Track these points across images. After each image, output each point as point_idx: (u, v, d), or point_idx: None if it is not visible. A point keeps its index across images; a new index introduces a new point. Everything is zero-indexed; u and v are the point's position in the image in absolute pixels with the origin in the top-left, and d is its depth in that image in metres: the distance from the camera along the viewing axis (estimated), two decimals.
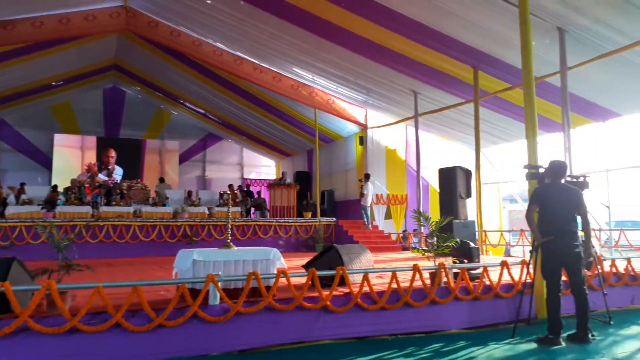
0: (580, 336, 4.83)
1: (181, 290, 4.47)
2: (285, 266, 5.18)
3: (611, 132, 11.97)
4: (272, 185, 15.78)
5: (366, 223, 14.47)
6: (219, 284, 4.60)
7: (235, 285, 4.91)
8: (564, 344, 4.74)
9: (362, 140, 16.33)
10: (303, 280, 5.01)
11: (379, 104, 15.15)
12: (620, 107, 11.28)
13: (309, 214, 15.30)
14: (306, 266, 6.48)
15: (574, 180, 5.47)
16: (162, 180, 16.60)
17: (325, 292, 4.92)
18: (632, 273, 6.54)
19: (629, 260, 6.68)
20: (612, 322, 5.52)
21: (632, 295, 6.51)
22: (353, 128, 16.78)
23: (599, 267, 5.97)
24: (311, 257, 6.87)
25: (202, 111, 19.45)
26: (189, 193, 15.31)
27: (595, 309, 5.49)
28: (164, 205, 14.07)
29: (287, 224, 14.17)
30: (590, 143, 12.76)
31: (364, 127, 16.32)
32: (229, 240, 5.32)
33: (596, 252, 6.47)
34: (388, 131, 16.47)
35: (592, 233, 9.40)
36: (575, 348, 4.64)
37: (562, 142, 9.47)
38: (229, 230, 5.51)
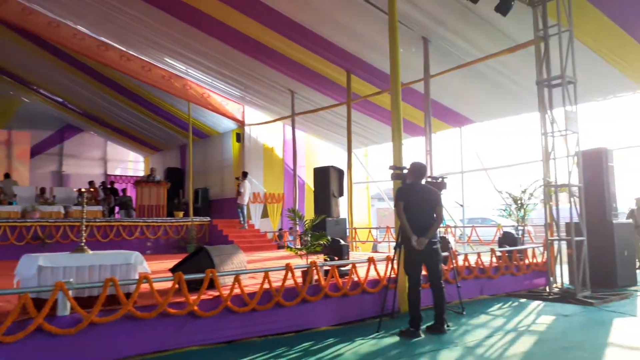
0: (438, 327, 5.19)
1: (23, 300, 3.89)
2: (148, 270, 4.80)
3: (466, 137, 13.22)
4: (139, 182, 14.64)
5: (242, 222, 14.22)
6: (70, 292, 4.09)
7: (90, 293, 4.42)
8: (423, 335, 5.05)
9: (240, 137, 16.04)
10: (169, 284, 4.68)
11: (256, 101, 15.00)
12: (474, 115, 12.50)
13: (181, 214, 14.59)
14: (174, 269, 6.08)
15: (434, 180, 5.86)
16: (7, 176, 14.60)
17: (193, 297, 4.65)
18: (482, 266, 7.23)
19: (479, 254, 7.37)
20: (464, 313, 6.03)
21: (481, 287, 7.19)
22: (230, 124, 16.42)
23: (454, 261, 6.48)
24: (181, 259, 6.49)
25: (60, 100, 17.56)
26: (42, 190, 13.71)
27: (450, 300, 5.93)
28: (10, 203, 12.40)
29: (155, 224, 13.30)
30: (448, 147, 13.98)
31: (241, 123, 16.05)
32: (83, 244, 4.78)
33: (451, 248, 7.04)
34: (266, 129, 16.41)
35: (449, 230, 10.20)
36: (433, 339, 4.96)
37: (424, 146, 10.21)
38: (84, 232, 4.95)
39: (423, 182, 5.45)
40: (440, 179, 5.87)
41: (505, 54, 8.88)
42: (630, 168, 12.35)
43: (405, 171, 5.78)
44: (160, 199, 14.24)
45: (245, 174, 14.45)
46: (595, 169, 8.17)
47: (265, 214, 15.86)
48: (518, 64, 9.31)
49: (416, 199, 5.23)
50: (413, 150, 13.83)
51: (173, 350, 4.53)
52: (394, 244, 5.82)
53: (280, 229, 15.54)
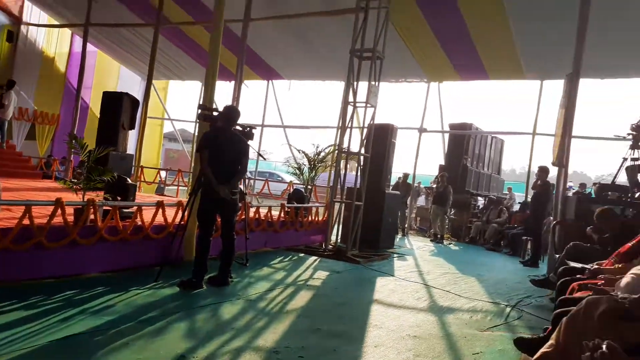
0: (221, 279, 5.05)
1: None
2: None
3: (272, 91, 13.26)
4: None
5: (1, 141, 11.75)
6: None
7: None
8: (205, 287, 4.86)
9: (12, 37, 13.08)
10: None
11: None
12: (285, 71, 12.57)
13: None
14: None
15: (242, 129, 5.60)
16: None
17: None
18: (270, 219, 7.35)
19: (269, 208, 7.48)
20: (248, 264, 6.03)
21: (265, 239, 7.32)
22: (1, 18, 13.24)
23: (246, 213, 6.40)
24: None
25: None
26: None
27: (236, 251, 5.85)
28: None
29: None
30: (254, 98, 13.87)
31: (17, 20, 13.08)
32: None
33: (246, 199, 6.96)
34: (50, 34, 13.72)
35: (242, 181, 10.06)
36: (215, 291, 4.80)
37: (232, 92, 9.84)
38: None
39: (232, 129, 5.14)
40: (248, 129, 5.63)
41: (325, 15, 9.00)
42: (403, 145, 14.19)
43: (215, 114, 5.38)
44: None
45: (11, 83, 11.85)
46: (381, 143, 9.01)
47: (32, 136, 13.48)
48: (335, 30, 9.56)
49: (223, 147, 4.91)
50: (217, 94, 13.32)
51: None
52: (186, 189, 5.41)
53: (50, 156, 13.41)
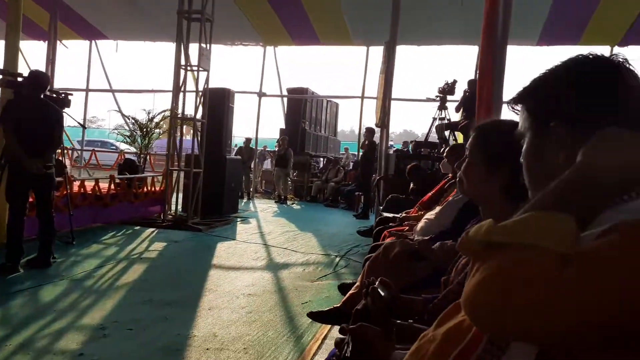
0: (42, 260, 4.62)
1: None
2: None
3: (97, 53, 12.08)
4: None
5: None
6: None
7: None
8: (22, 270, 4.40)
9: None
10: None
11: None
12: (110, 31, 11.49)
13: None
14: None
15: (55, 96, 5.06)
16: None
17: None
18: (98, 193, 6.83)
19: (97, 181, 6.93)
20: (74, 242, 5.58)
21: (94, 215, 6.80)
22: None
23: (68, 187, 5.86)
24: None
25: None
26: None
27: (59, 230, 5.37)
28: None
29: None
30: (74, 59, 12.50)
31: None
32: None
33: (67, 173, 6.35)
34: None
35: (65, 153, 9.20)
36: (34, 274, 4.38)
37: (45, 53, 8.73)
38: None
39: (42, 96, 4.60)
40: (63, 95, 5.10)
41: None
42: (245, 110, 14.22)
43: (20, 79, 4.75)
44: None
45: None
46: (218, 108, 8.87)
47: None
48: None
49: (31, 115, 4.38)
50: (29, 55, 11.68)
51: None
52: None
53: None
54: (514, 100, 0.95)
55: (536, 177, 0.90)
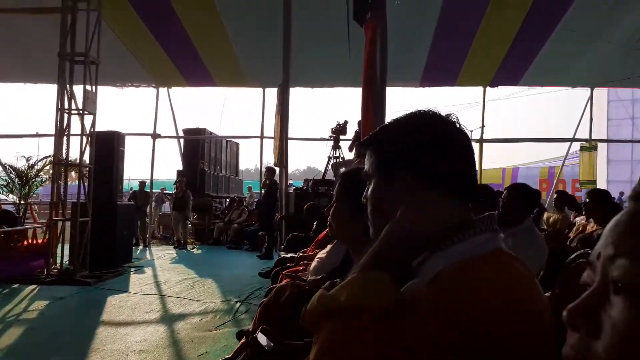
0: None
1: None
2: None
3: None
4: None
5: None
6: None
7: None
8: None
9: None
10: None
11: None
12: None
13: None
14: None
15: None
16: None
17: None
18: None
19: None
20: None
21: None
22: None
23: None
24: None
25: None
26: None
27: None
28: None
29: None
30: None
31: None
32: None
33: None
34: None
35: None
36: None
37: None
38: None
39: None
40: None
41: (27, 13, 7.92)
42: (139, 152, 13.70)
43: None
44: None
45: None
46: (107, 152, 8.42)
47: None
48: (43, 30, 8.51)
49: None
50: None
51: None
52: None
53: None
54: (361, 145, 1.02)
55: (374, 217, 0.96)
